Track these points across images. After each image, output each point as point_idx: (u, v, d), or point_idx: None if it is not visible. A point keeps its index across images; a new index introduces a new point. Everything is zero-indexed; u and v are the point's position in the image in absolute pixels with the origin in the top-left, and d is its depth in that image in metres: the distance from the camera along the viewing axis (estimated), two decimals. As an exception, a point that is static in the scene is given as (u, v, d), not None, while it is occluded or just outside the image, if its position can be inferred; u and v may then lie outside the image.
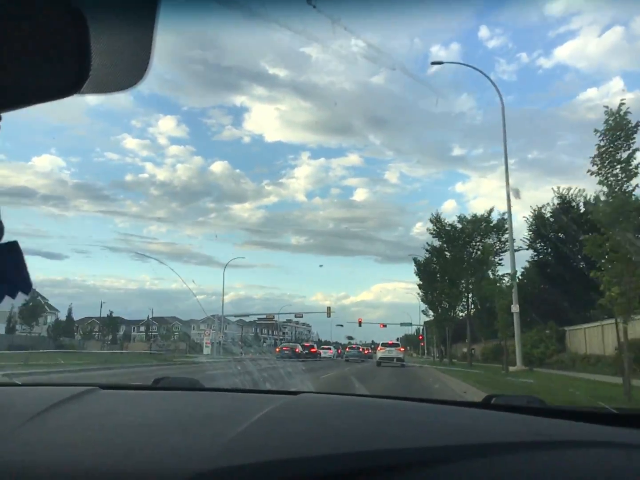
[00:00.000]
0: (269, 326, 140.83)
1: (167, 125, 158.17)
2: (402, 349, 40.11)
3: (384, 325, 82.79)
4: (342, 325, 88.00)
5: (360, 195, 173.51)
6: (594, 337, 26.39)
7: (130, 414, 1.31)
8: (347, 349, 51.26)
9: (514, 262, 25.33)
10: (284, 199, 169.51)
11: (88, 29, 0.66)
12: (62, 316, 76.25)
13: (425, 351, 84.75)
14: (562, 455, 0.99)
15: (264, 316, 65.78)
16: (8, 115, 0.70)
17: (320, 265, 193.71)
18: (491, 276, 23.68)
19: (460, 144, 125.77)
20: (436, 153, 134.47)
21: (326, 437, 1.06)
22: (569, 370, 23.38)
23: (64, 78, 0.69)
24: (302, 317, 63.64)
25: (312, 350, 46.19)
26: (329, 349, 54.58)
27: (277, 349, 44.16)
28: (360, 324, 76.48)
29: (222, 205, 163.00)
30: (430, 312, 49.04)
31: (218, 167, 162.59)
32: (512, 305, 22.40)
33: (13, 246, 0.70)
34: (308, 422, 1.23)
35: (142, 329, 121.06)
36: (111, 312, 75.50)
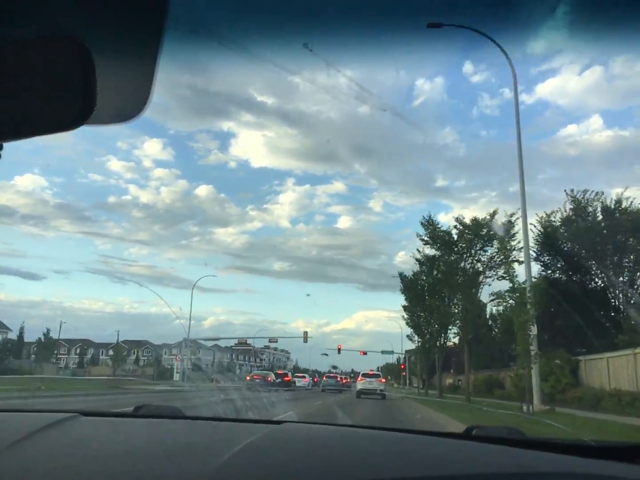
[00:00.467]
0: (246, 352, 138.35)
1: (152, 148, 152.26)
2: (384, 380, 37.42)
3: (365, 353, 78.14)
4: (327, 354, 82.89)
5: (344, 222, 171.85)
6: (622, 369, 21.54)
7: (113, 442, 1.29)
8: (324, 378, 46.84)
9: (530, 270, 20.63)
10: (268, 225, 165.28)
11: (94, 64, 0.71)
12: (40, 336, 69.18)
13: (408, 381, 79.31)
14: None
15: (237, 341, 59.99)
16: None
17: (308, 295, 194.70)
18: (509, 283, 18.58)
19: (443, 176, 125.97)
20: (419, 183, 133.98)
21: (309, 467, 1.06)
22: (595, 411, 18.44)
23: (70, 111, 0.73)
24: (276, 341, 58.29)
25: (286, 378, 41.26)
26: (304, 377, 49.31)
27: (248, 377, 39.09)
28: (339, 351, 72.02)
29: (206, 229, 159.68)
30: (416, 338, 43.78)
31: (203, 191, 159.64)
32: (530, 326, 17.45)
33: None
34: (291, 452, 1.22)
35: (112, 352, 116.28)
36: (48, 331, 68.32)
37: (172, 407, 1.97)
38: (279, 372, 46.77)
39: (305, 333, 56.77)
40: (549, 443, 1.37)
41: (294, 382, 43.95)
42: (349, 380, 57.65)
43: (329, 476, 0.98)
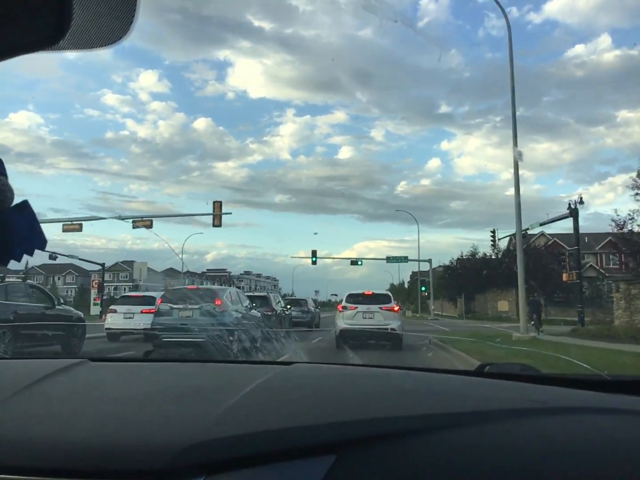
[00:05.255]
0: (221, 279, 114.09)
1: (148, 80, 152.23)
2: (397, 309, 16.25)
3: (356, 262, 48.25)
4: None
5: (345, 153, 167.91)
6: None
7: (122, 386, 1.31)
8: (160, 302, 13.47)
9: None
10: (269, 157, 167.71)
11: None
12: None
13: (431, 307, 48.83)
14: (556, 421, 0.99)
15: (63, 226, 29.14)
16: None
17: (315, 233, 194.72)
18: None
19: (447, 101, 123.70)
20: (422, 110, 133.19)
21: (320, 406, 1.06)
22: None
23: (43, 30, 0.65)
24: (151, 225, 27.91)
25: None
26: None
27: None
28: (314, 255, 42.15)
29: (205, 164, 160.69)
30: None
31: (201, 124, 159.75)
32: None
33: (24, 205, 0.71)
34: (302, 392, 1.21)
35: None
36: None
37: (182, 352, 1.32)
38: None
39: (217, 205, 25.89)
40: (562, 378, 1.38)
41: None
42: (283, 310, 22.07)
43: (339, 415, 0.97)
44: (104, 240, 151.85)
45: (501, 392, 1.23)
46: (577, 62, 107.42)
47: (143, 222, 27.39)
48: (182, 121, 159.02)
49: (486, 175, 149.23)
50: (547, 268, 41.54)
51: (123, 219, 27.68)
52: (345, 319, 15.26)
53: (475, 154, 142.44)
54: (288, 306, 24.85)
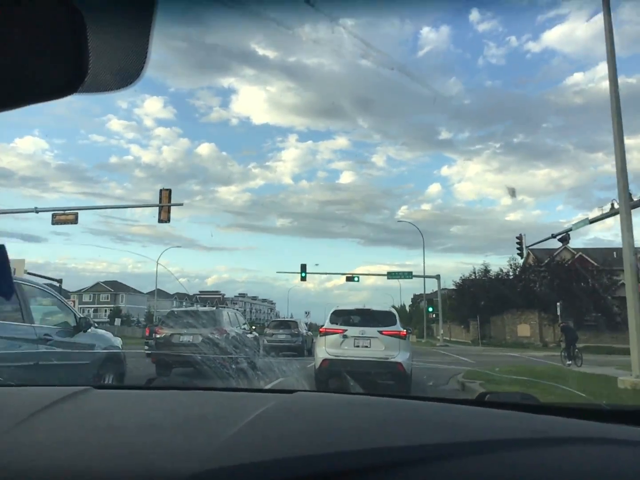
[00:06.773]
0: (214, 301, 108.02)
1: (153, 106, 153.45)
2: (404, 333, 10.75)
3: (351, 279, 42.63)
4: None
5: (346, 178, 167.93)
6: None
7: (125, 414, 1.31)
8: None
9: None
10: (271, 182, 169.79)
11: (86, 27, 0.68)
12: None
13: (441, 331, 42.55)
14: (556, 451, 1.00)
15: None
16: None
17: (316, 264, 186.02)
18: None
19: (447, 128, 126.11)
20: (423, 136, 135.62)
21: (322, 435, 1.06)
22: None
23: (61, 78, 0.70)
24: (75, 220, 22.51)
25: None
26: None
27: None
28: (303, 270, 36.29)
29: (208, 188, 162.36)
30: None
31: (205, 149, 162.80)
32: None
33: None
34: (304, 421, 1.22)
35: None
36: None
37: (185, 379, 2.54)
38: None
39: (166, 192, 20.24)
40: (562, 408, 1.39)
41: None
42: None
43: (341, 445, 0.98)
44: (104, 264, 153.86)
45: (501, 421, 1.23)
46: (575, 89, 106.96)
47: (65, 216, 21.80)
48: (186, 146, 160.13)
49: (486, 200, 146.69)
50: (576, 286, 35.62)
51: (39, 211, 22.19)
52: (329, 347, 10.59)
53: (475, 180, 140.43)
54: (253, 327, 19.83)
